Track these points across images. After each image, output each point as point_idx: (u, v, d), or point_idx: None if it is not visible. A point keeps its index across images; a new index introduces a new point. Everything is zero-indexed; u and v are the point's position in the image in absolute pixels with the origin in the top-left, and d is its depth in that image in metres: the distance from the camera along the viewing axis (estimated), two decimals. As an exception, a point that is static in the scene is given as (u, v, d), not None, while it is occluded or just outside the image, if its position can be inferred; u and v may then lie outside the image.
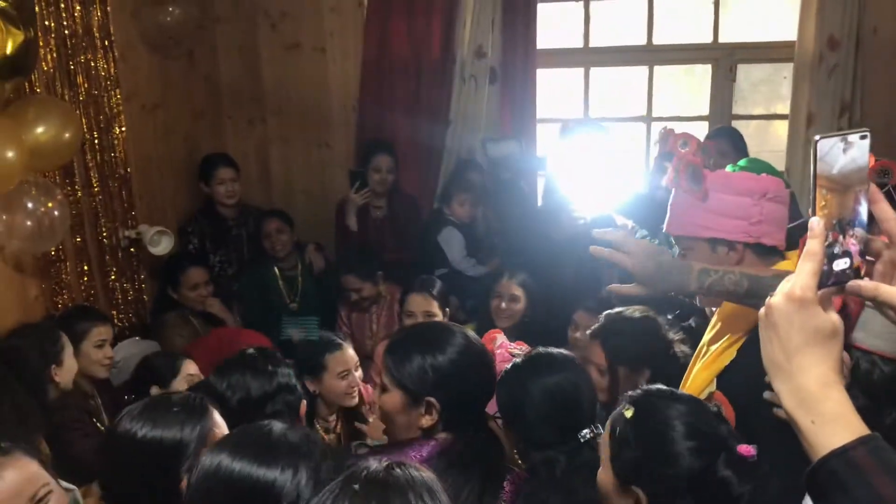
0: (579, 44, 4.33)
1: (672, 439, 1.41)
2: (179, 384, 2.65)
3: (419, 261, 4.04)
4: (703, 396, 1.82)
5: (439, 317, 3.09)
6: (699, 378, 1.89)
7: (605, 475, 1.51)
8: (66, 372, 2.65)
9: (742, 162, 3.21)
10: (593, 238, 1.70)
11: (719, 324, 1.93)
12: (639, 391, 1.56)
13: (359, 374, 2.86)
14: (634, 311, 2.38)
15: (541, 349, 2.01)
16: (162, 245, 3.48)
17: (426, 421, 1.70)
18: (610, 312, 2.42)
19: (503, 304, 3.17)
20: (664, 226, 2.06)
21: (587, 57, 4.34)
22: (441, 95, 4.25)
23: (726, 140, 3.51)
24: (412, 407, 1.71)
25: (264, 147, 4.60)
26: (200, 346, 3.22)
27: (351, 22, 4.31)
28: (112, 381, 3.04)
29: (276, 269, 3.97)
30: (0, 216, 2.73)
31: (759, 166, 3.19)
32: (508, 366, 2.00)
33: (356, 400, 2.80)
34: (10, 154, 2.56)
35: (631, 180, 3.65)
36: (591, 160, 3.49)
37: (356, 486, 1.09)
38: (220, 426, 1.64)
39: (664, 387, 1.59)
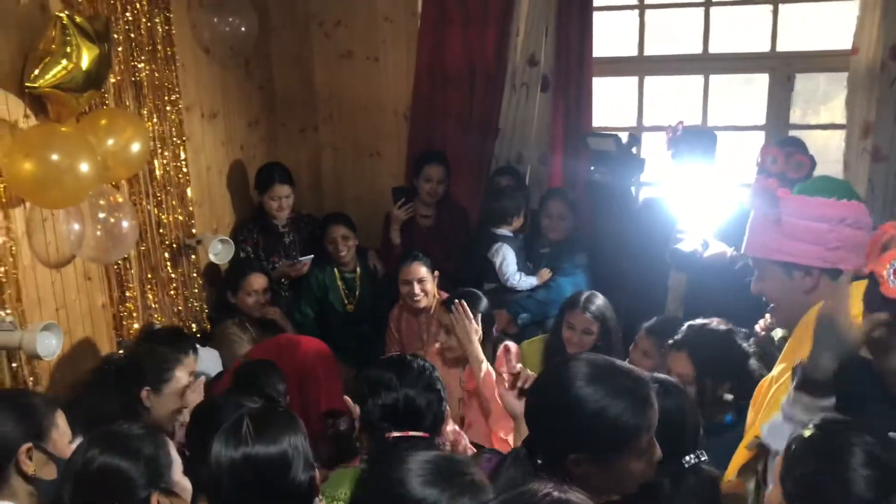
0: (633, 52, 4.30)
1: (849, 463, 1.36)
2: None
3: (466, 274, 3.97)
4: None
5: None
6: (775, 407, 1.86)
7: (774, 495, 1.50)
8: (160, 404, 2.52)
9: (816, 181, 3.17)
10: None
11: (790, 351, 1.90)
12: (823, 418, 1.52)
13: None
14: (720, 324, 2.41)
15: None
16: (223, 253, 3.51)
17: None
18: (693, 324, 2.45)
19: (574, 338, 3.09)
20: (743, 247, 2.05)
21: (642, 66, 4.31)
22: (492, 105, 4.23)
23: (802, 152, 3.46)
24: None
25: (316, 155, 4.62)
26: (262, 353, 3.23)
27: (404, 31, 4.31)
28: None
29: (336, 271, 4.01)
30: (72, 226, 2.78)
31: (833, 185, 3.14)
32: None
33: None
34: (84, 166, 2.59)
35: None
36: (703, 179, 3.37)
37: None
38: None
39: (848, 418, 1.56)
